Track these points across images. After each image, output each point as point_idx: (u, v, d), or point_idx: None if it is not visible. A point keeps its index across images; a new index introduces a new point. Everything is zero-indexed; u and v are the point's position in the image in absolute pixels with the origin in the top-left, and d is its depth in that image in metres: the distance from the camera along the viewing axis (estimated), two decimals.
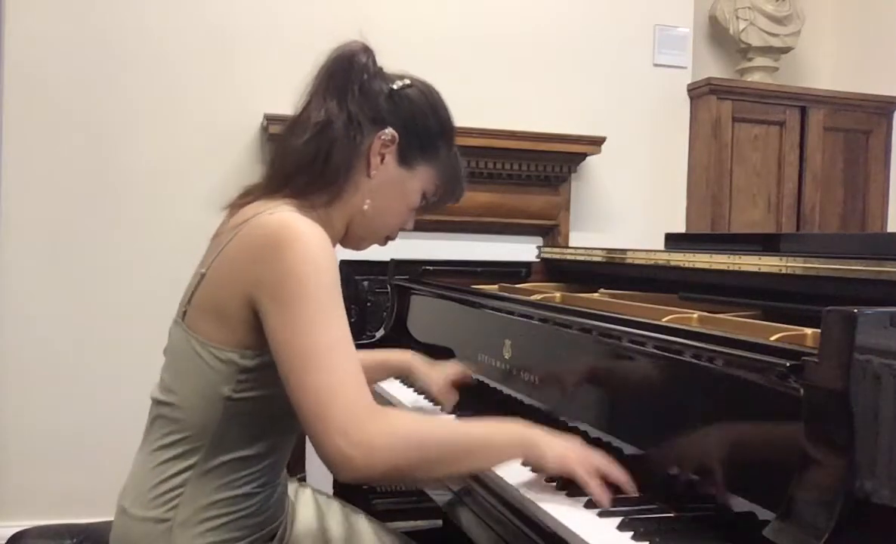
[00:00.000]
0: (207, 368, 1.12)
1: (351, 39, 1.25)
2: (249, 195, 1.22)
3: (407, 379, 1.77)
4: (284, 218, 1.10)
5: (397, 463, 1.04)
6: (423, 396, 1.72)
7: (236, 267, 1.11)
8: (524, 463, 1.18)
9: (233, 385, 1.12)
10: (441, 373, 1.60)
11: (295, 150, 1.20)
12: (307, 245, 1.07)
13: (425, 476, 1.14)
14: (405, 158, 1.25)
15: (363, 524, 1.44)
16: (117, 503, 1.22)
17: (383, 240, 1.32)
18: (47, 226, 2.81)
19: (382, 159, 1.23)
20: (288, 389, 1.05)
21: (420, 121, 1.25)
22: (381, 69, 1.26)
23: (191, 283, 1.19)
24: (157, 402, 1.20)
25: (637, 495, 1.09)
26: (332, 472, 1.04)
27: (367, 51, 1.25)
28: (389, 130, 1.22)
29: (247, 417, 1.14)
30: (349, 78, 1.21)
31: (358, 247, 1.32)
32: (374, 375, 1.62)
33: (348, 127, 1.19)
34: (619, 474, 1.10)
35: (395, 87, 1.24)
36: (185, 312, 1.17)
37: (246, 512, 1.17)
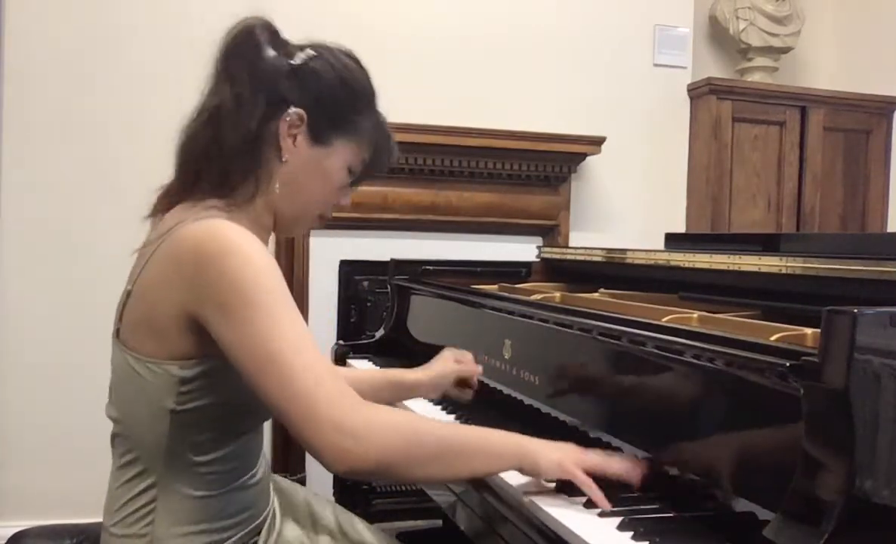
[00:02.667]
0: (147, 384, 1.09)
1: (248, 17, 1.18)
2: (167, 197, 1.19)
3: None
4: (208, 226, 1.06)
5: (392, 452, 1.04)
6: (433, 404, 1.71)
7: (166, 281, 1.07)
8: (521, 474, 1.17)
9: (174, 397, 1.08)
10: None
11: (188, 140, 1.16)
12: (238, 250, 1.03)
13: (419, 473, 1.10)
14: (318, 136, 1.18)
15: (358, 524, 1.42)
16: (102, 522, 1.20)
17: (317, 221, 1.26)
18: (47, 226, 2.81)
19: (294, 141, 1.16)
20: (265, 399, 1.03)
21: (328, 94, 1.18)
22: (285, 43, 1.19)
23: (119, 301, 1.16)
24: (112, 420, 1.18)
25: (638, 486, 1.09)
26: (327, 467, 1.03)
27: (266, 26, 1.18)
28: (293, 110, 1.15)
29: (196, 428, 1.11)
30: (243, 60, 1.15)
31: (291, 232, 1.29)
32: (388, 395, 1.54)
33: (240, 110, 1.13)
34: (619, 467, 1.10)
35: (295, 62, 1.17)
36: (117, 330, 1.14)
37: (224, 513, 1.16)
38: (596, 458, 1.11)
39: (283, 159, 1.16)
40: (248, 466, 1.21)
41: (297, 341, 1.02)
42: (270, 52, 1.16)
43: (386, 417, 1.07)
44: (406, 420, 1.10)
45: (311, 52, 1.18)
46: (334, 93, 1.18)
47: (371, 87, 1.24)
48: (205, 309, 1.03)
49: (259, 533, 1.23)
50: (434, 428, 1.12)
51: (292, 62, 1.17)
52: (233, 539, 1.17)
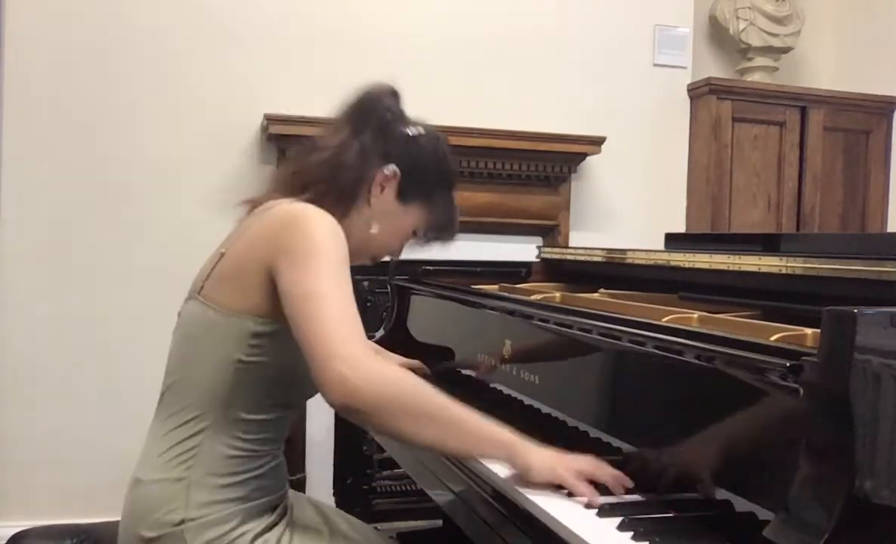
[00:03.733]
0: (222, 334, 1.23)
1: (382, 82, 1.42)
2: (268, 199, 1.36)
3: None
4: (300, 206, 1.26)
5: (386, 396, 1.11)
6: None
7: (257, 244, 1.25)
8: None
9: (244, 349, 1.22)
10: None
11: (309, 167, 1.36)
12: (319, 222, 1.22)
13: (411, 428, 1.14)
14: (403, 195, 1.39)
15: (361, 525, 1.46)
16: (131, 479, 1.28)
17: (368, 260, 1.46)
18: (47, 226, 2.81)
19: (382, 190, 1.37)
20: (294, 327, 1.14)
21: (422, 165, 1.40)
22: (402, 112, 1.42)
23: (210, 261, 1.31)
24: (167, 376, 1.30)
25: (630, 488, 1.09)
26: (324, 396, 1.11)
27: (395, 94, 1.42)
28: (392, 166, 1.36)
29: (255, 383, 1.24)
30: (371, 115, 1.38)
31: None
32: None
33: (357, 156, 1.35)
34: (608, 475, 1.11)
35: (409, 132, 1.40)
36: (201, 287, 1.28)
37: (257, 472, 1.26)
38: (586, 463, 1.12)
39: (370, 202, 1.37)
40: (280, 441, 1.33)
41: (335, 294, 1.15)
42: (395, 118, 1.40)
43: (393, 367, 1.20)
44: (411, 376, 1.17)
45: (422, 129, 1.42)
46: (428, 166, 1.41)
47: (454, 174, 1.49)
48: (277, 259, 1.20)
49: (276, 509, 1.31)
50: (435, 395, 1.17)
51: (407, 131, 1.40)
52: (252, 502, 1.26)
